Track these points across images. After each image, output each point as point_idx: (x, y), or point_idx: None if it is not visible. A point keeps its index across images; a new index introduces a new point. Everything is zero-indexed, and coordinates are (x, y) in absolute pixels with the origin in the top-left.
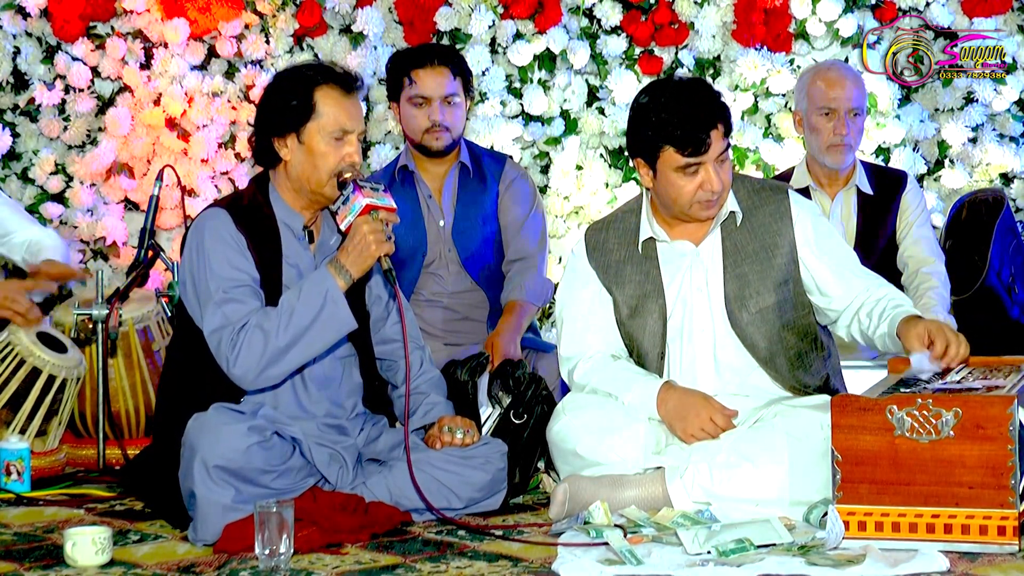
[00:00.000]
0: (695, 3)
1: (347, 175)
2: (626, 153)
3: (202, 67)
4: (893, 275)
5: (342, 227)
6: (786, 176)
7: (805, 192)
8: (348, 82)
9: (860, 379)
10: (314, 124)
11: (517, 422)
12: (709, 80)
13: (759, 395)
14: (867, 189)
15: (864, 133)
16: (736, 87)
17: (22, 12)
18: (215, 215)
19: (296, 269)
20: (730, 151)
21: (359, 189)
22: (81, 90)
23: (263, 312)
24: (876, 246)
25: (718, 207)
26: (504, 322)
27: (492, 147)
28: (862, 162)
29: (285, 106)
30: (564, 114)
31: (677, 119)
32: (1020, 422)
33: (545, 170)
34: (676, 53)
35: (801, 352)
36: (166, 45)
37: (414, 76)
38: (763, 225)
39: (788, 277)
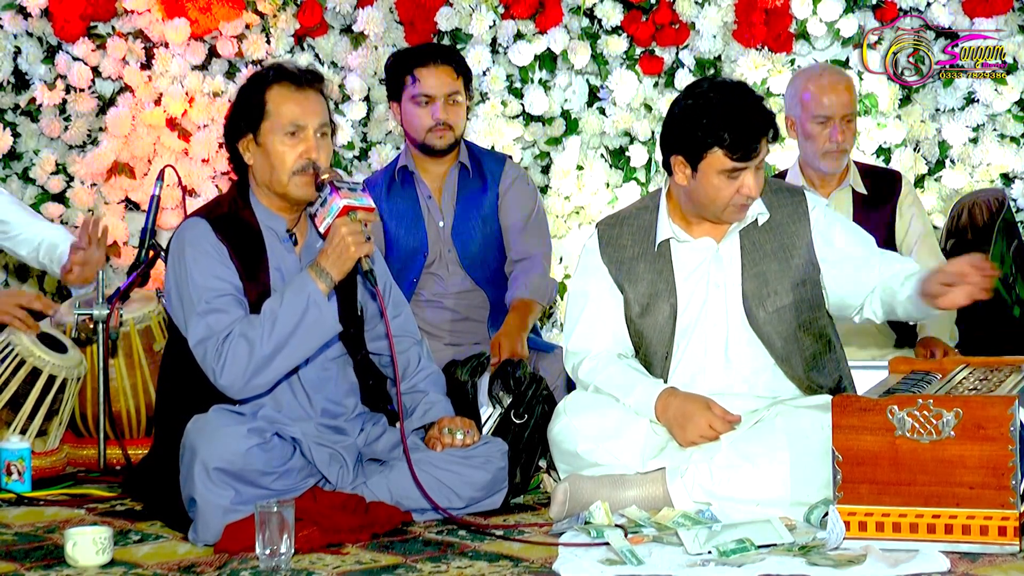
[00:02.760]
0: (696, 3)
1: (324, 177)
2: (627, 153)
3: (203, 67)
4: None
5: (321, 229)
6: (780, 178)
7: None
8: (299, 78)
9: (861, 379)
10: (267, 123)
11: (518, 422)
12: None
13: (766, 394)
14: (861, 189)
15: (865, 133)
16: None
17: (23, 12)
18: (194, 225)
19: (281, 273)
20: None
21: (336, 191)
22: (82, 90)
23: (247, 320)
24: None
25: (748, 209)
26: (510, 320)
27: (493, 147)
28: (855, 162)
29: (241, 110)
30: (565, 114)
31: (731, 123)
32: (1021, 422)
33: (546, 170)
34: (677, 53)
35: (816, 353)
36: (167, 45)
37: (417, 75)
38: (781, 225)
39: (806, 278)
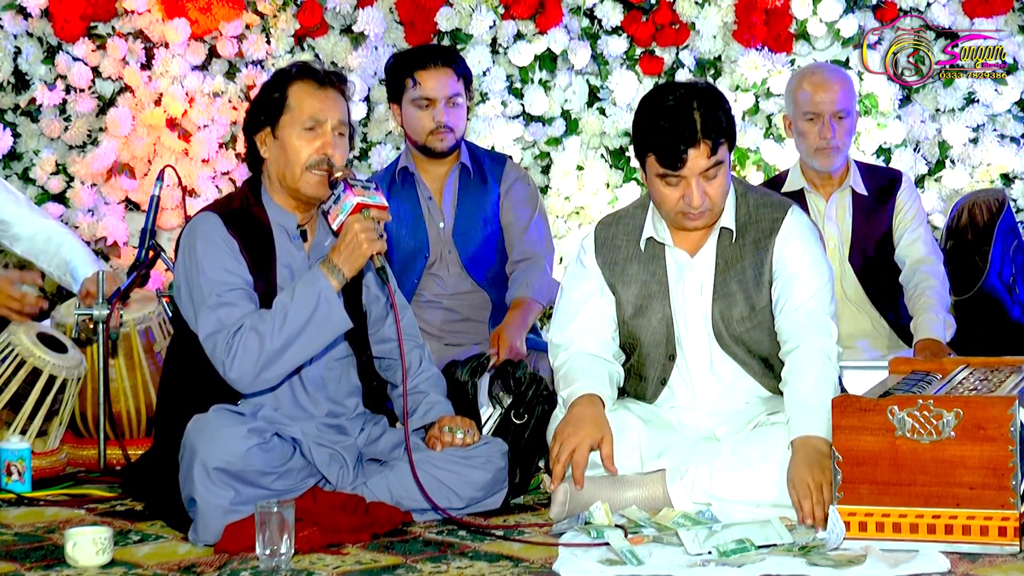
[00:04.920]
0: (696, 3)
1: (338, 174)
2: (628, 153)
3: (203, 67)
4: (888, 273)
5: (334, 226)
6: (780, 179)
7: (800, 194)
8: (322, 76)
9: (860, 379)
10: (287, 117)
11: (518, 422)
12: (712, 83)
13: (757, 401)
14: (861, 189)
15: (865, 133)
16: (737, 87)
17: (23, 12)
18: (206, 219)
19: (289, 270)
20: (723, 167)
21: (350, 188)
22: (82, 90)
23: (258, 315)
24: (871, 246)
25: (706, 220)
26: (510, 316)
27: (493, 147)
28: (856, 162)
29: (262, 103)
30: (565, 114)
31: (656, 131)
32: (1021, 423)
33: (546, 170)
34: (677, 53)
35: None
36: (167, 45)
37: (418, 77)
38: (753, 242)
39: (772, 296)
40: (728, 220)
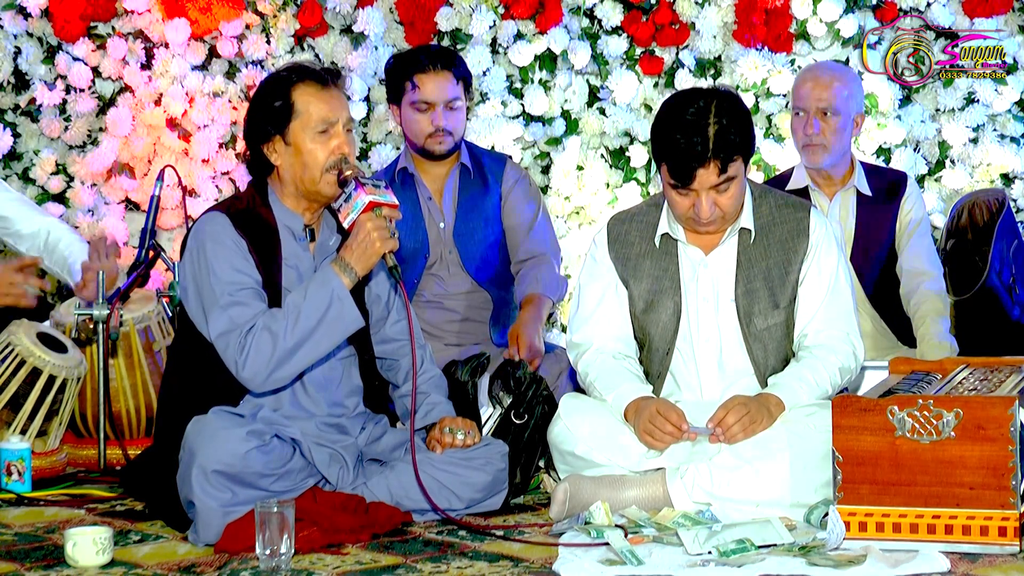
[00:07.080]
0: (696, 3)
1: (348, 173)
2: (627, 153)
3: (203, 67)
4: (889, 273)
5: (345, 225)
6: (785, 176)
7: (804, 192)
8: (323, 76)
9: (859, 380)
10: (297, 123)
11: (518, 422)
12: (732, 88)
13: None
14: (865, 190)
15: (865, 134)
16: (737, 87)
17: (23, 12)
18: (214, 219)
19: (296, 271)
20: (736, 180)
21: (361, 186)
22: (82, 90)
23: (270, 314)
24: (873, 247)
25: (717, 226)
26: (525, 314)
27: (493, 147)
28: (862, 163)
29: (266, 112)
30: (565, 114)
31: (669, 145)
32: (1021, 423)
33: (546, 170)
34: (677, 53)
35: None
36: (167, 45)
37: (417, 81)
38: (780, 242)
39: (796, 295)
40: (747, 221)
